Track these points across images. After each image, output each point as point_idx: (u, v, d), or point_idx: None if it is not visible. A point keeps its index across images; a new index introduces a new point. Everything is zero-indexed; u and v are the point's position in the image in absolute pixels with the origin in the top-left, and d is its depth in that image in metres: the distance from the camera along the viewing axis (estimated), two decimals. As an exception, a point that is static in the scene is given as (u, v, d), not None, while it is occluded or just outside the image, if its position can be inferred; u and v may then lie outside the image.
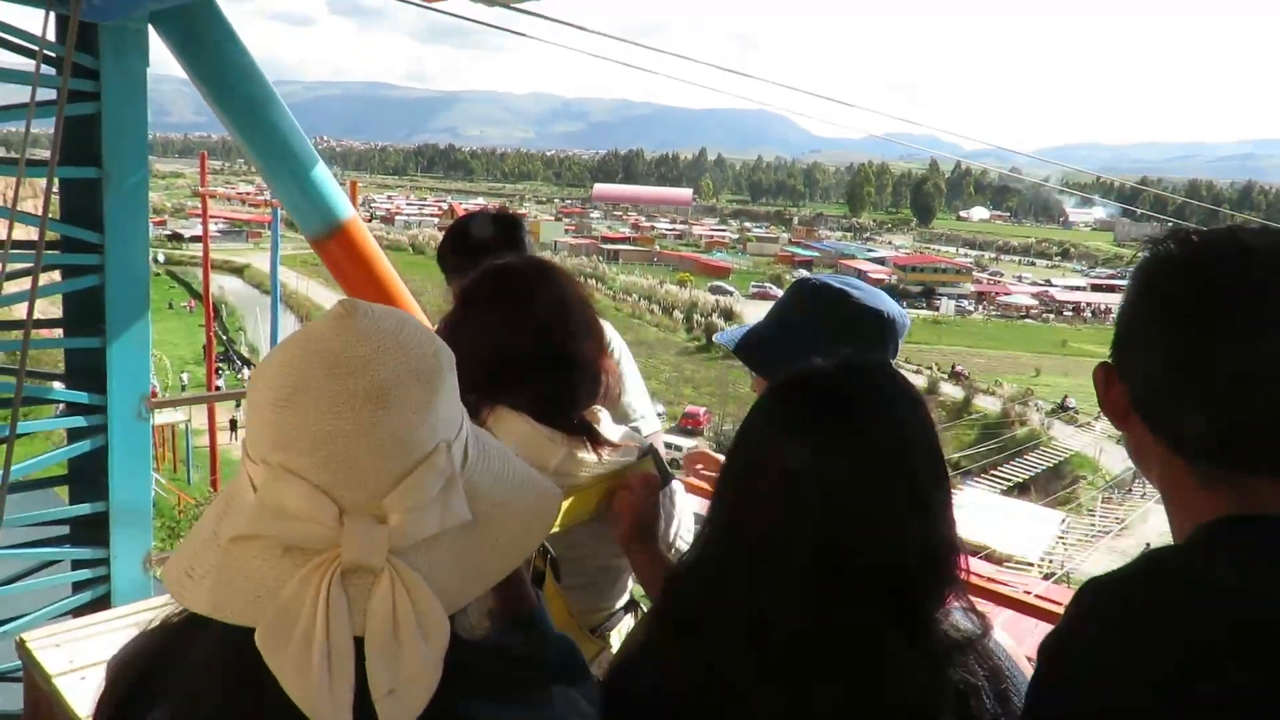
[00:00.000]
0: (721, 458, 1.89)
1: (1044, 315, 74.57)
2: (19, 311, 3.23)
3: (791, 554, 0.99)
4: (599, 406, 1.57)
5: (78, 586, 3.67)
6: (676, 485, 1.68)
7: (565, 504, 1.49)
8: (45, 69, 3.12)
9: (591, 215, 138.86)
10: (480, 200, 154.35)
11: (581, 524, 1.51)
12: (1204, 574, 0.82)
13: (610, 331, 1.80)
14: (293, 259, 50.02)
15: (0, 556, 3.08)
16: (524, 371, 1.48)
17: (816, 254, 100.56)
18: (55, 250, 3.45)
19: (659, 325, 61.19)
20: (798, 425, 1.03)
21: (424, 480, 0.73)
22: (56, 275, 3.54)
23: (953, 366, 50.53)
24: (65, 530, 3.71)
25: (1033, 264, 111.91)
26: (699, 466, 2.32)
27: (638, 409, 2.30)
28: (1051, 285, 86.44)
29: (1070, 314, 74.67)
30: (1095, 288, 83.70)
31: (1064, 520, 26.67)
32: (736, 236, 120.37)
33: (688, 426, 39.55)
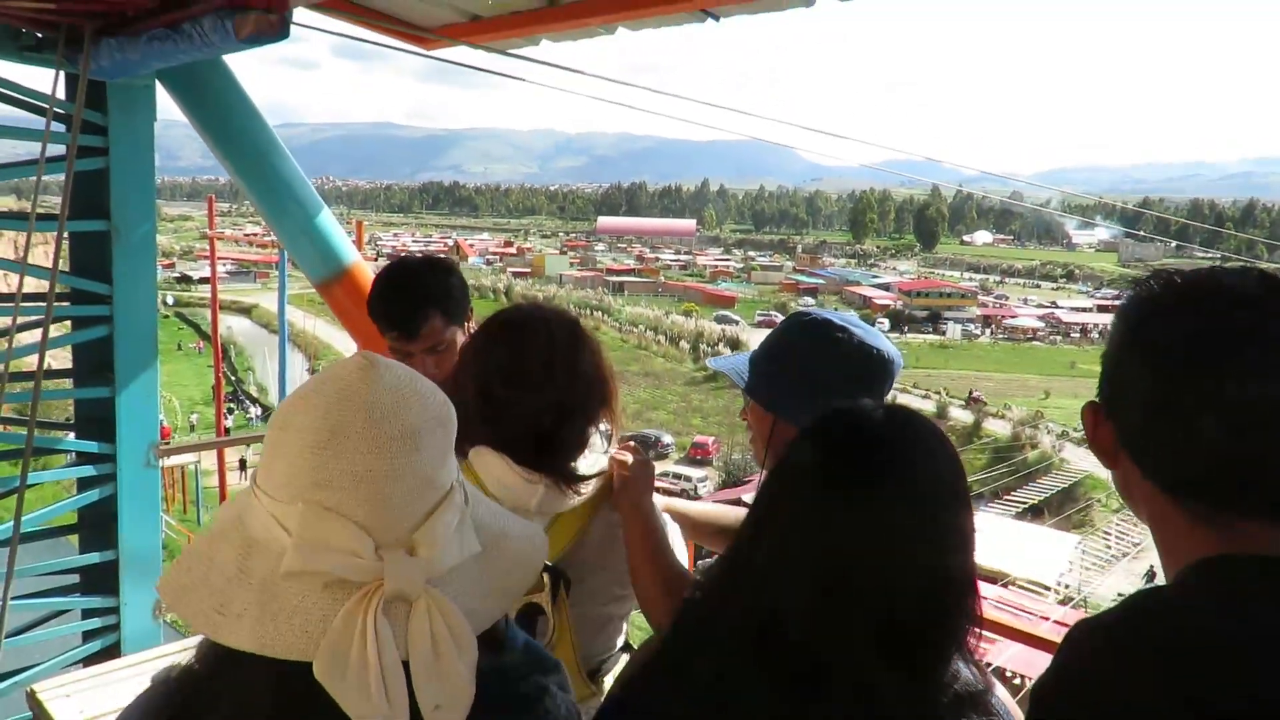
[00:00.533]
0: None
1: (1051, 337, 74.42)
2: (30, 363, 3.27)
3: (800, 582, 1.00)
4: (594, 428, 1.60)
5: (88, 635, 3.67)
6: (666, 518, 1.69)
7: (556, 530, 1.53)
8: (55, 126, 3.19)
9: (596, 248, 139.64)
10: (485, 236, 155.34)
11: (573, 556, 1.52)
12: (1192, 616, 0.82)
13: None
14: (300, 298, 50.28)
15: (12, 608, 3.09)
16: (511, 415, 1.50)
17: (821, 281, 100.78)
18: (65, 302, 3.51)
19: (665, 356, 61.20)
20: (833, 473, 1.04)
21: (446, 516, 0.81)
22: (67, 326, 3.59)
23: (970, 392, 50.05)
24: (75, 579, 3.72)
25: (1038, 286, 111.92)
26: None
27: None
28: (1057, 307, 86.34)
29: (1077, 335, 74.51)
30: (1101, 308, 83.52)
31: (1079, 543, 26.39)
32: (741, 266, 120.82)
33: (697, 456, 39.41)
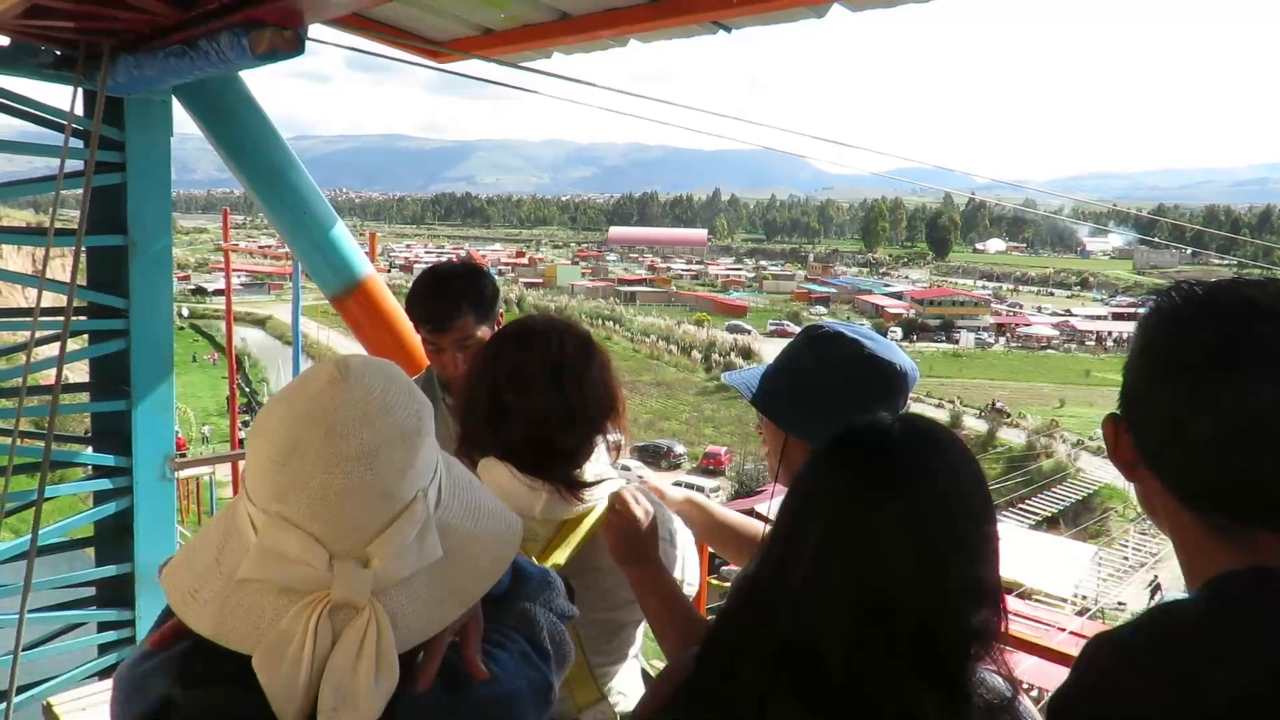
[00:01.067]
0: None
1: (1065, 345, 73.97)
2: (48, 377, 3.30)
3: (838, 606, 0.99)
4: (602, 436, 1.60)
5: (104, 649, 3.68)
6: (677, 525, 1.68)
7: (563, 534, 1.52)
8: (74, 141, 3.22)
9: (608, 258, 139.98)
10: (497, 246, 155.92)
11: (584, 560, 1.51)
12: (1212, 630, 0.81)
13: None
14: (313, 309, 50.53)
15: (29, 620, 3.10)
16: (515, 420, 1.51)
17: (833, 290, 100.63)
18: (83, 316, 3.53)
19: (677, 365, 61.20)
20: (862, 490, 1.04)
21: (403, 529, 0.83)
22: (85, 340, 3.61)
23: (992, 402, 49.56)
24: (92, 592, 3.74)
25: (1051, 294, 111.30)
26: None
27: None
28: (1072, 315, 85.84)
29: (1092, 343, 74.03)
30: (1117, 316, 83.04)
31: (1096, 554, 26.16)
32: (752, 275, 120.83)
33: (709, 466, 39.33)
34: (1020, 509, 31.92)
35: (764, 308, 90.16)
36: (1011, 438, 43.87)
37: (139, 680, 0.90)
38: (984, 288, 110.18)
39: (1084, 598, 22.84)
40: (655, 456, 39.72)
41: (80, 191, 3.18)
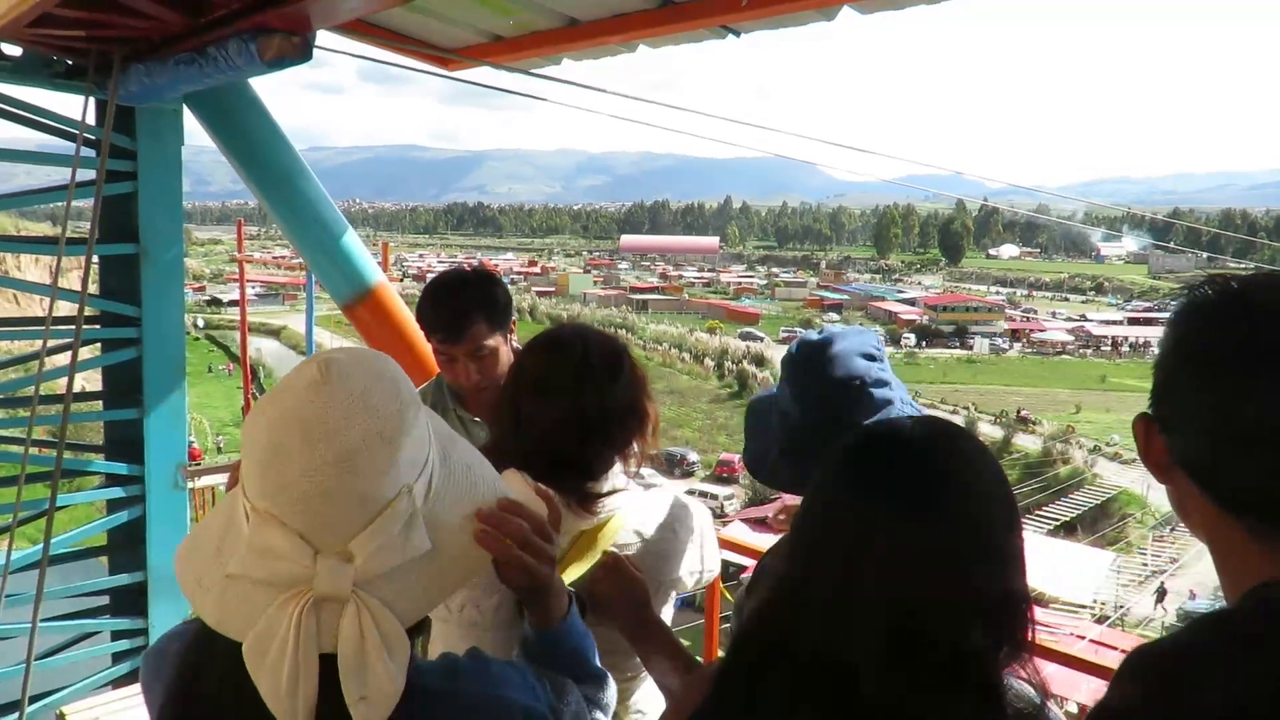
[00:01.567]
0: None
1: (1081, 350, 73.47)
2: (61, 385, 3.31)
3: (869, 620, 0.96)
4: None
5: (117, 657, 3.69)
6: (693, 509, 1.65)
7: (580, 547, 1.49)
8: (85, 151, 3.24)
9: (620, 266, 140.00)
10: (510, 256, 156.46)
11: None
12: (1257, 643, 0.77)
13: None
14: (327, 319, 50.73)
15: (42, 629, 3.11)
16: (531, 427, 1.50)
17: (845, 297, 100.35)
18: (95, 325, 3.55)
19: (690, 373, 61.11)
20: (874, 489, 1.00)
21: (385, 526, 0.85)
22: (97, 349, 3.63)
23: (1016, 410, 48.96)
24: (105, 601, 3.74)
25: (1066, 299, 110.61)
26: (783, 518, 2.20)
27: None
28: (1087, 320, 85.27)
29: (1108, 348, 73.49)
30: (1132, 321, 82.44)
31: (1115, 560, 25.92)
32: (764, 282, 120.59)
33: (723, 474, 39.24)
34: (1037, 515, 31.66)
35: (777, 315, 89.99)
36: (1027, 444, 43.56)
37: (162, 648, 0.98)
38: (998, 293, 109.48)
39: (1103, 604, 22.61)
40: (668, 465, 39.64)
41: (92, 201, 3.20)
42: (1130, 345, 72.49)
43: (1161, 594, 26.22)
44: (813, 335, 1.63)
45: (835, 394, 1.52)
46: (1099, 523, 33.38)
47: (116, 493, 3.60)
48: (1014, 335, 78.36)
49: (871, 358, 1.56)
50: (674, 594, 1.64)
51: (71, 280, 3.69)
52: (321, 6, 2.33)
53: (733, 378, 56.70)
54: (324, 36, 2.65)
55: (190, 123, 3.61)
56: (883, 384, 1.54)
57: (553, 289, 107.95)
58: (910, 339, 75.25)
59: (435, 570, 0.90)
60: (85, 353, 3.37)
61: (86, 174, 3.30)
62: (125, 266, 3.54)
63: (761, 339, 72.21)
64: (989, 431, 44.98)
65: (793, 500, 2.02)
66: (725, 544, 3.34)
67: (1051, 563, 19.54)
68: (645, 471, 1.92)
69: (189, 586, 0.90)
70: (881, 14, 2.89)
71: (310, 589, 0.83)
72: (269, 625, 0.83)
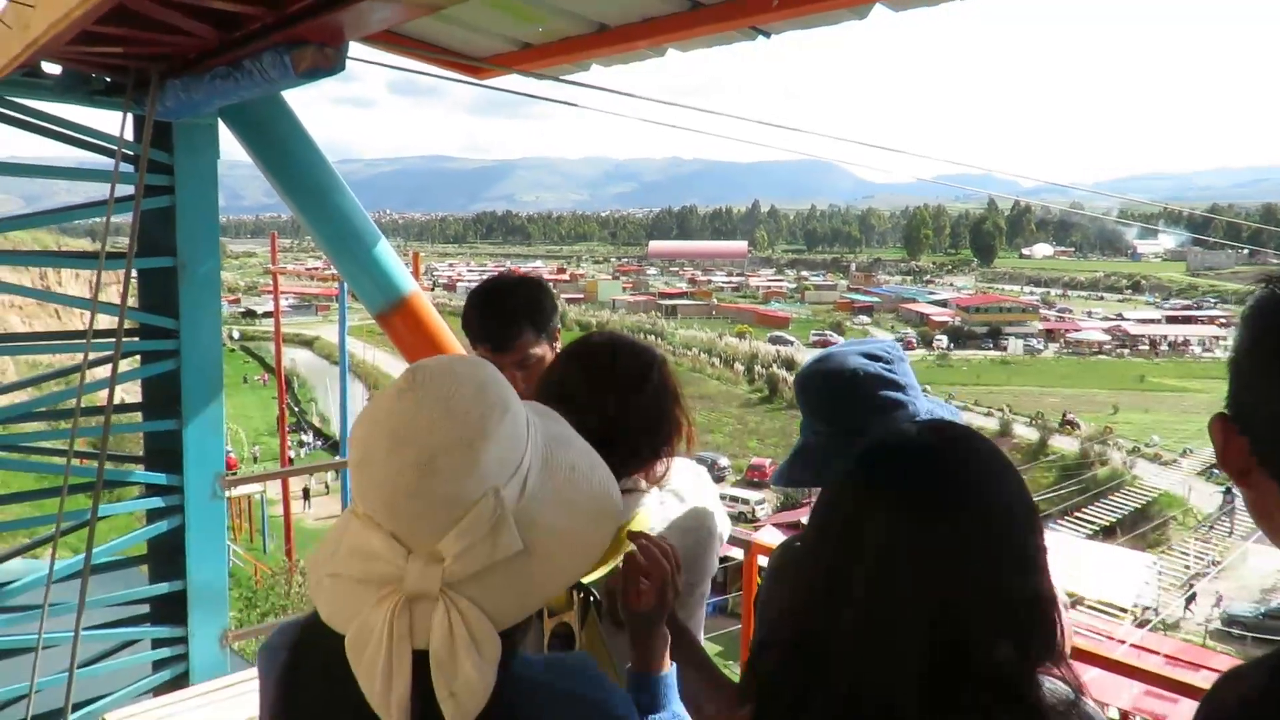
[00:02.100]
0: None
1: (1118, 350, 72.26)
2: (101, 398, 3.36)
3: (907, 637, 0.94)
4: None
5: (158, 665, 3.73)
6: (715, 519, 1.63)
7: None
8: (124, 166, 3.28)
9: (648, 272, 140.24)
10: (539, 263, 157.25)
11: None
12: None
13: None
14: (359, 329, 51.47)
15: (84, 638, 3.15)
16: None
17: (876, 299, 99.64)
18: (134, 338, 3.60)
19: (720, 378, 60.99)
20: (892, 496, 0.98)
21: (471, 526, 0.87)
22: (136, 361, 3.68)
23: (1064, 415, 47.99)
24: (146, 609, 3.79)
25: (1102, 299, 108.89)
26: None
27: None
28: (1124, 319, 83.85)
29: (1146, 348, 72.21)
30: (1171, 319, 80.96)
31: (1155, 563, 25.43)
32: (794, 286, 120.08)
33: (754, 479, 39.05)
34: (1075, 518, 31.15)
35: (806, 319, 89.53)
36: (1064, 445, 42.88)
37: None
38: (1031, 293, 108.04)
39: (1144, 609, 22.17)
40: (702, 465, 39.53)
41: (130, 216, 3.24)
42: (1169, 344, 71.18)
43: (1191, 598, 25.83)
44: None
45: (830, 387, 1.54)
46: (1139, 524, 32.77)
47: (156, 503, 3.65)
48: (1049, 335, 77.28)
49: (874, 357, 1.56)
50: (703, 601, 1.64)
51: (111, 294, 3.74)
52: (354, 17, 2.34)
53: (763, 382, 56.44)
54: (356, 48, 2.67)
55: (223, 136, 3.66)
56: (888, 384, 1.53)
57: (581, 295, 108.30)
58: (943, 341, 74.49)
59: (528, 572, 0.92)
60: (125, 365, 3.42)
61: (125, 189, 3.35)
62: (163, 280, 3.59)
63: (791, 343, 71.90)
64: (1024, 433, 44.35)
65: None
66: (758, 548, 3.33)
67: (1089, 565, 19.20)
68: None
69: (314, 584, 0.96)
70: (913, 10, 2.85)
71: (403, 587, 0.88)
72: (366, 621, 0.87)
